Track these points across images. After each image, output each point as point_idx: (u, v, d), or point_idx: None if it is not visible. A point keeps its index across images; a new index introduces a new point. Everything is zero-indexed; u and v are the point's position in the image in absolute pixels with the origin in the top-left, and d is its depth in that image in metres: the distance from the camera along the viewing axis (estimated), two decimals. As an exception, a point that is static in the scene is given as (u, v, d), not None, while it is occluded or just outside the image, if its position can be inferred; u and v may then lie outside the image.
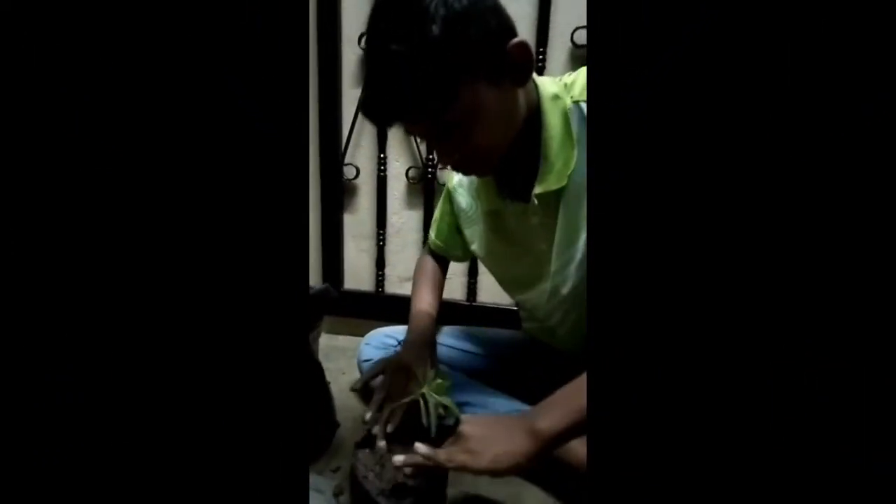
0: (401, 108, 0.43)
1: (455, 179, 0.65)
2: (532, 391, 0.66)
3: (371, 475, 0.57)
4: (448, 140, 0.46)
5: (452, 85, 0.42)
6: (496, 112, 0.45)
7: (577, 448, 0.55)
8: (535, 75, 0.51)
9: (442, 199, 0.71)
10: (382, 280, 1.07)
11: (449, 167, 0.51)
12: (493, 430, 0.47)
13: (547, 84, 0.51)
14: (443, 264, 0.75)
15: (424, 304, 0.68)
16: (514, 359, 0.73)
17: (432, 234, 0.73)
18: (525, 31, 0.89)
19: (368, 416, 0.58)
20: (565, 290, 0.57)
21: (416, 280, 0.73)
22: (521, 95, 0.48)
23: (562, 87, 0.51)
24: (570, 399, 0.45)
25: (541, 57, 0.88)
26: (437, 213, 0.72)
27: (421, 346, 0.62)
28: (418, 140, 0.98)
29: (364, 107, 0.46)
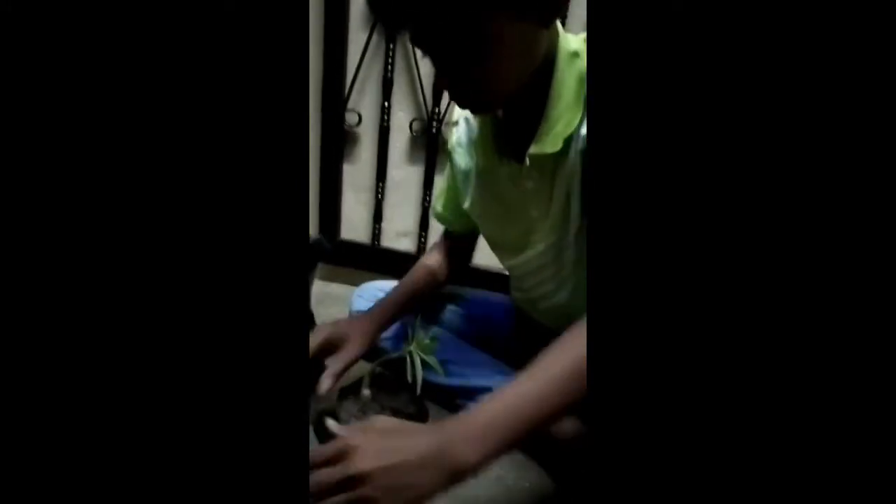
0: (416, 9, 0.40)
1: (453, 139, 0.63)
2: (515, 356, 0.67)
3: (353, 421, 0.59)
4: (457, 63, 0.43)
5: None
6: (512, 46, 0.42)
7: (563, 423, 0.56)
8: (559, 26, 0.47)
9: (447, 166, 0.69)
10: (379, 233, 1.07)
11: (449, 95, 0.47)
12: (405, 473, 0.34)
13: (569, 39, 0.47)
14: (448, 260, 0.73)
15: (396, 294, 0.67)
16: (500, 324, 0.74)
17: (439, 206, 0.71)
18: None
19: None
20: (554, 267, 0.56)
21: (400, 282, 0.70)
22: (543, 40, 0.45)
23: (584, 46, 0.47)
24: (497, 424, 0.36)
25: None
26: (442, 183, 0.70)
27: (363, 322, 0.63)
28: (423, 87, 0.94)
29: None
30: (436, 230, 0.92)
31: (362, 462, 0.34)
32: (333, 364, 0.58)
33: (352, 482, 0.34)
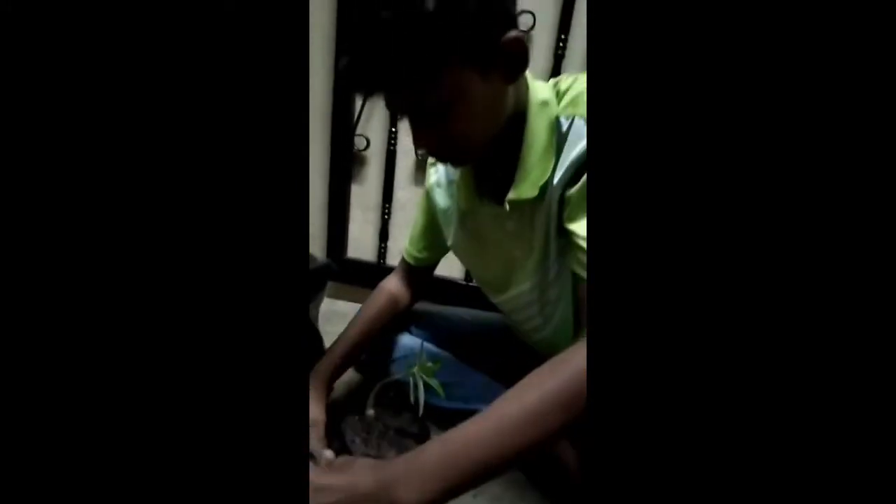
0: (381, 78, 0.43)
1: (432, 178, 0.65)
2: (514, 378, 0.69)
3: (358, 440, 0.62)
4: (426, 123, 0.45)
5: (438, 64, 0.41)
6: (479, 104, 0.44)
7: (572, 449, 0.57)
8: (529, 77, 0.50)
9: (419, 204, 0.71)
10: (385, 252, 1.10)
11: (425, 151, 0.49)
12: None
13: (538, 89, 0.50)
14: (409, 288, 0.73)
15: (344, 340, 0.67)
16: (499, 345, 0.76)
17: (407, 244, 0.73)
18: (548, 15, 0.87)
19: None
20: (539, 304, 0.58)
21: (363, 307, 0.71)
22: (510, 93, 0.47)
23: (553, 94, 0.50)
24: (445, 464, 0.35)
25: (561, 45, 0.87)
26: (417, 226, 0.72)
27: (318, 381, 0.63)
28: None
29: (345, 70, 0.43)
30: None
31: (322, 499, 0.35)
32: (317, 432, 0.58)
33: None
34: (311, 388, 0.62)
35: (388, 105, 0.48)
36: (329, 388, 0.64)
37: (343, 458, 0.39)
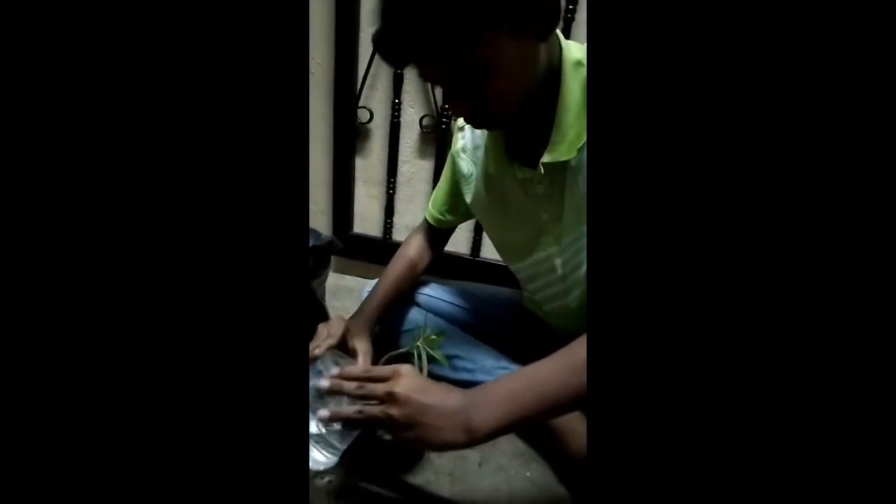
0: (416, 48, 0.42)
1: (458, 144, 0.65)
2: (518, 351, 0.70)
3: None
4: (461, 89, 0.45)
5: (473, 30, 0.40)
6: (514, 65, 0.44)
7: (579, 438, 0.58)
8: (561, 37, 0.49)
9: (445, 167, 0.71)
10: (390, 227, 1.10)
11: (461, 118, 0.49)
12: (430, 414, 0.41)
13: (573, 48, 0.49)
14: (431, 247, 0.75)
15: (380, 289, 0.70)
16: (505, 318, 0.76)
17: (430, 205, 0.74)
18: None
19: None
20: (563, 269, 0.58)
21: (391, 262, 0.73)
22: (543, 52, 0.47)
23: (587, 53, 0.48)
24: (513, 395, 0.41)
25: (569, 16, 0.83)
26: (441, 188, 0.72)
27: (362, 320, 0.65)
28: (433, 87, 0.95)
29: (378, 42, 0.44)
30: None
31: (402, 386, 0.42)
32: (366, 362, 0.60)
33: (389, 398, 0.42)
34: (356, 324, 0.64)
35: (422, 76, 0.47)
36: (371, 328, 0.66)
37: (413, 387, 0.44)
